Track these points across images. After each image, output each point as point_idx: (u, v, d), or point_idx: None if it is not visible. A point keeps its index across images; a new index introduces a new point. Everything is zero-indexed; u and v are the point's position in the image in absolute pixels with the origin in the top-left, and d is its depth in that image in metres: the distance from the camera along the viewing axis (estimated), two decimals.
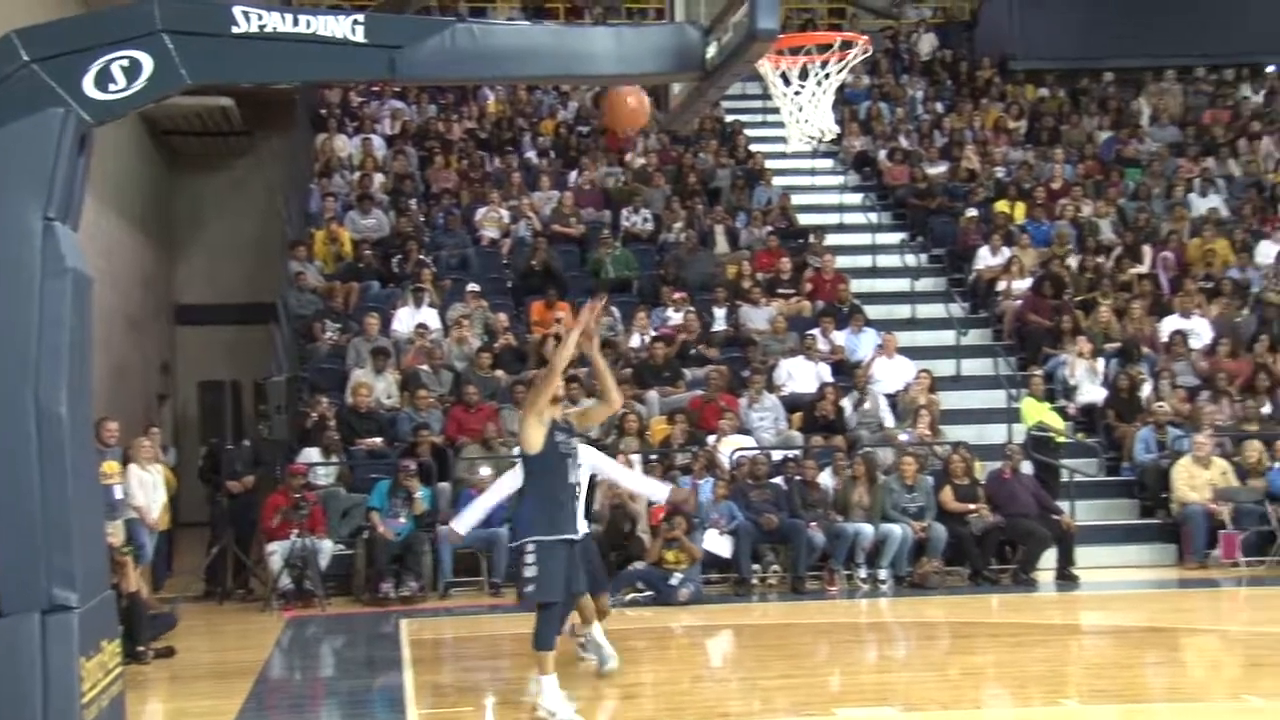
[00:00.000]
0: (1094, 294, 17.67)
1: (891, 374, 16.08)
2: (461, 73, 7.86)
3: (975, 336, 17.84)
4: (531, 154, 21.27)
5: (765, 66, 8.13)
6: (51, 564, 6.20)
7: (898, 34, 25.46)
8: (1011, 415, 15.75)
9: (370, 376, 15.23)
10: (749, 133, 22.01)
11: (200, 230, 23.19)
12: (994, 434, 15.74)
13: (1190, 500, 14.28)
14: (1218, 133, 22.56)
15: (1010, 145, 22.05)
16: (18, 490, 6.22)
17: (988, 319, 18.22)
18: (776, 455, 14.55)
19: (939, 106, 23.53)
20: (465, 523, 10.69)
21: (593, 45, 7.62)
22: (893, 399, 15.72)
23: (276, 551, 13.02)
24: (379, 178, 19.65)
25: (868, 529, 13.54)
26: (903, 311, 18.30)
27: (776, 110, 8.59)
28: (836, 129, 9.69)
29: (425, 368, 15.59)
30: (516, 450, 9.61)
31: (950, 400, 16.20)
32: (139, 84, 6.70)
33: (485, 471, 13.13)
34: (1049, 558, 13.76)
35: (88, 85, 6.64)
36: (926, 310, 18.45)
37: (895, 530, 13.55)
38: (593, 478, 13.61)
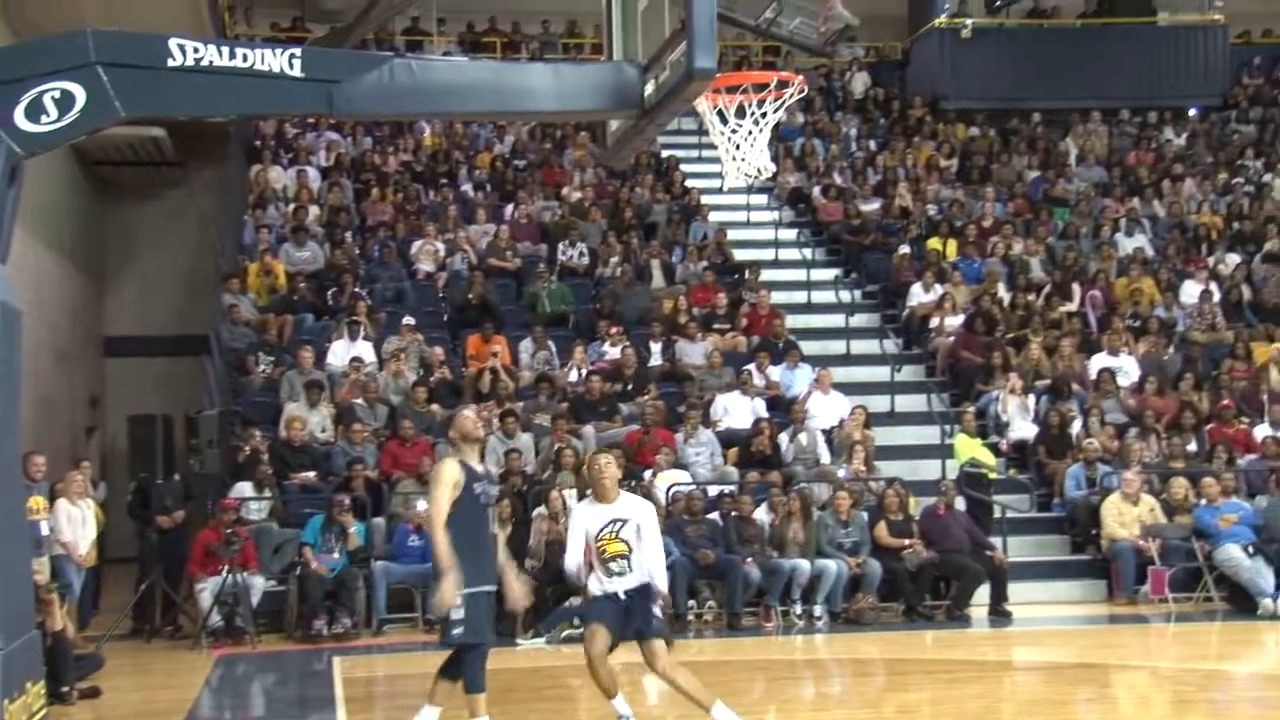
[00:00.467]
0: (1025, 331, 17.89)
1: (827, 409, 16.16)
2: (400, 108, 7.89)
3: (909, 372, 17.99)
4: (468, 187, 21.25)
5: (703, 104, 8.21)
6: None
7: (831, 72, 25.74)
8: (945, 451, 15.88)
9: (304, 410, 15.09)
10: (685, 168, 22.15)
11: (131, 261, 22.90)
12: (928, 470, 15.85)
13: (1120, 537, 14.45)
14: (1142, 174, 22.99)
15: (942, 183, 22.32)
16: None
17: (921, 355, 18.39)
18: (712, 490, 14.55)
19: (872, 144, 23.80)
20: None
21: (531, 82, 7.67)
22: (828, 434, 15.80)
23: (206, 588, 12.84)
24: (314, 210, 19.54)
25: (804, 565, 13.58)
26: (838, 347, 18.42)
27: (713, 146, 8.67)
28: (773, 167, 9.77)
29: (360, 401, 15.48)
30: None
31: (885, 436, 16.29)
32: (71, 116, 6.64)
33: (420, 506, 13.03)
34: (982, 593, 13.85)
35: (19, 117, 6.58)
36: (861, 346, 18.58)
37: (830, 566, 13.59)
38: (530, 517, 13.64)
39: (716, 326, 17.85)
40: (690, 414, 15.42)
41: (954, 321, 18.11)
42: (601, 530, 7.97)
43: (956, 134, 24.30)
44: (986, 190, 21.65)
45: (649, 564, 8.04)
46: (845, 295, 19.62)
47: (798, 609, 13.60)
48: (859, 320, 19.15)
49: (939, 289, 18.70)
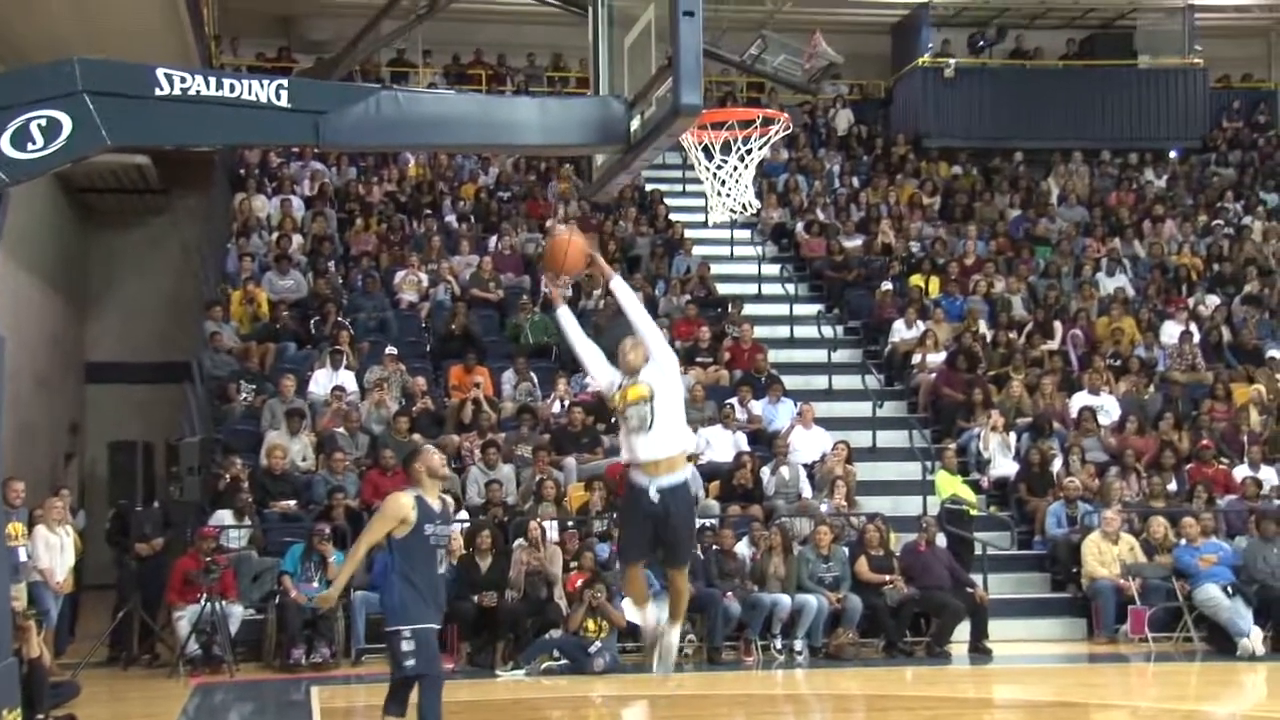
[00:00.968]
0: (1006, 369, 17.97)
1: (809, 444, 16.19)
2: (386, 140, 7.90)
3: (891, 408, 18.03)
4: (451, 218, 21.27)
5: (688, 140, 8.25)
6: None
7: (815, 109, 25.89)
8: (926, 487, 15.90)
9: (285, 439, 15.05)
10: (669, 202, 22.22)
11: (114, 288, 22.84)
12: (909, 506, 15.87)
13: (1100, 575, 14.48)
14: (1123, 214, 23.15)
15: (924, 221, 22.44)
16: None
17: (903, 391, 18.45)
18: None
19: (855, 181, 23.92)
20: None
21: (517, 115, 7.71)
22: (810, 469, 15.82)
23: (185, 616, 12.77)
24: (297, 239, 19.54)
25: (784, 599, 13.57)
26: (820, 382, 18.46)
27: (697, 180, 8.71)
28: (757, 203, 9.83)
29: (341, 430, 15.45)
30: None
31: (866, 471, 16.31)
32: (58, 144, 6.65)
33: None
34: (963, 630, 13.86)
35: (5, 144, 6.59)
36: (843, 381, 18.63)
37: (811, 601, 13.59)
38: (511, 548, 13.60)
39: (699, 360, 17.87)
40: None
41: (936, 358, 18.18)
42: (620, 382, 7.29)
43: (939, 172, 24.44)
44: (969, 228, 21.78)
45: (676, 421, 7.26)
46: (828, 331, 19.68)
47: (778, 643, 13.60)
48: (841, 356, 19.19)
49: (921, 326, 18.78)
